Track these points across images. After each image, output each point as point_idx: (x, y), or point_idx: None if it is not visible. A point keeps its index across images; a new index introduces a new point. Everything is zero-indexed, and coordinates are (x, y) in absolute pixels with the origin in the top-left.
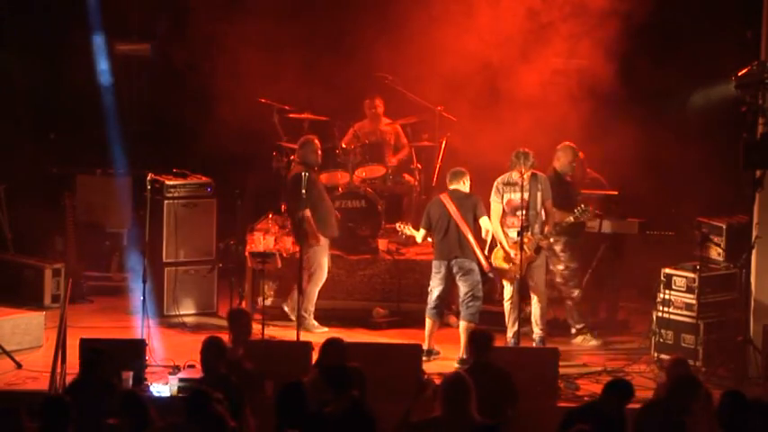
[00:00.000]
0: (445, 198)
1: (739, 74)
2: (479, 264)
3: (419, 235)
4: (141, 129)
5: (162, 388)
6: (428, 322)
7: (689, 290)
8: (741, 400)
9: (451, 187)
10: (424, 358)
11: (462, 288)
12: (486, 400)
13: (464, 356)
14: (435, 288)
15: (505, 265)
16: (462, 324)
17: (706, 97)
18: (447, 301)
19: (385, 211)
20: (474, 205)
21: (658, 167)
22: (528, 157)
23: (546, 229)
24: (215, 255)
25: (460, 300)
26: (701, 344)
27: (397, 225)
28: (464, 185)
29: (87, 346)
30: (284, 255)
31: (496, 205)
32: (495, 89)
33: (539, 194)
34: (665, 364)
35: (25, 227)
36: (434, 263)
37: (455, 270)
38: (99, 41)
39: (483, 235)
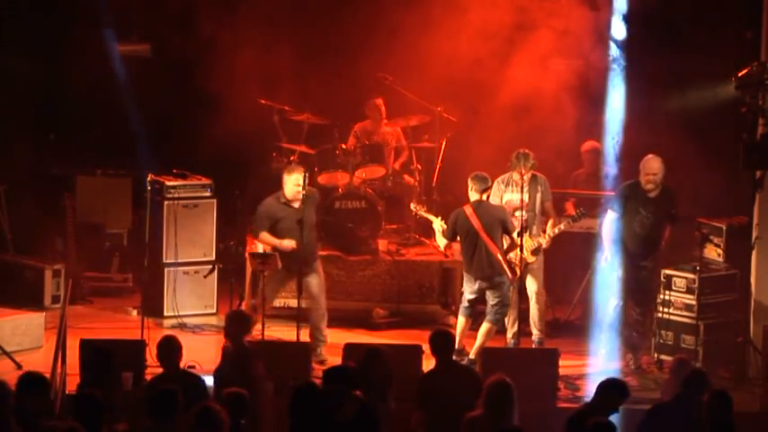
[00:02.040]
0: (470, 212)
1: (739, 74)
2: (506, 275)
3: (441, 243)
4: (141, 129)
5: None
6: (461, 320)
7: (689, 290)
8: (727, 399)
9: (474, 199)
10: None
11: (491, 298)
12: (455, 399)
13: (472, 357)
14: (468, 294)
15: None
16: (485, 326)
17: (702, 96)
18: (479, 303)
19: (385, 211)
20: (502, 221)
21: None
22: (528, 158)
23: (550, 224)
24: (215, 255)
25: (489, 305)
26: (701, 345)
27: (412, 205)
28: (487, 194)
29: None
30: None
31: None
32: (491, 88)
33: (538, 196)
34: (670, 365)
35: (25, 227)
36: (465, 275)
37: (485, 285)
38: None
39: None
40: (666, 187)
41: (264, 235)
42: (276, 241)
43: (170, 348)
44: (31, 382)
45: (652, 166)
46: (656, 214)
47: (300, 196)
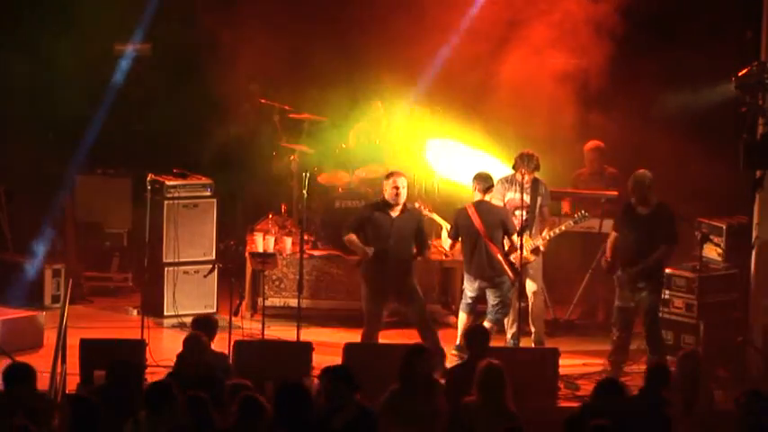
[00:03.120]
0: (471, 211)
1: (739, 74)
2: (507, 275)
3: (446, 243)
4: (141, 129)
5: None
6: (462, 317)
7: (689, 290)
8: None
9: (476, 198)
10: (453, 352)
11: (491, 298)
12: None
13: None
14: (469, 292)
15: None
16: (486, 325)
17: (701, 96)
18: (480, 302)
19: None
20: (503, 222)
21: (657, 168)
22: (531, 160)
23: (546, 230)
24: (215, 255)
25: (489, 305)
26: (702, 344)
27: (416, 204)
28: (489, 194)
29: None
30: (284, 255)
31: (497, 203)
32: (490, 88)
33: (539, 198)
34: (677, 357)
35: (25, 227)
36: (466, 275)
37: (485, 285)
38: None
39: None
40: (661, 204)
41: (350, 237)
42: (358, 246)
43: (198, 348)
44: (18, 373)
45: (637, 181)
46: (650, 232)
47: (400, 201)
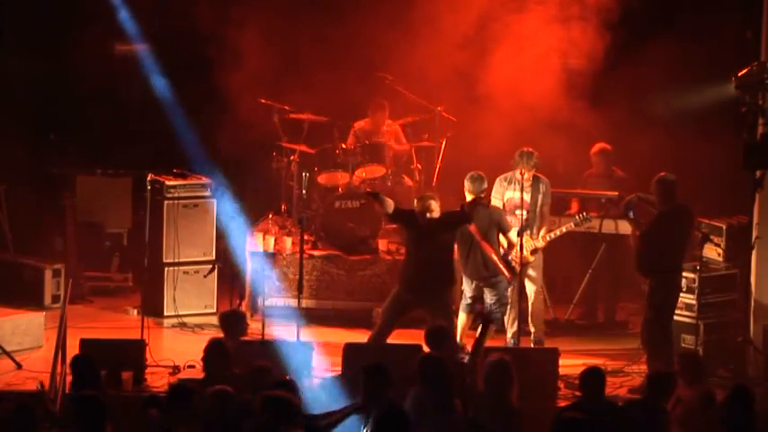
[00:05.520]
0: None
1: (739, 74)
2: (503, 274)
3: None
4: (141, 129)
5: None
6: (461, 317)
7: (689, 290)
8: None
9: (469, 200)
10: None
11: (489, 297)
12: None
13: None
14: (468, 293)
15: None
16: None
17: (701, 96)
18: (481, 300)
19: None
20: (497, 222)
21: (657, 168)
22: (531, 157)
23: (545, 230)
24: (215, 255)
25: (487, 305)
26: (702, 344)
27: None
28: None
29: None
30: (284, 255)
31: (496, 202)
32: (490, 88)
33: (539, 197)
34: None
35: (25, 227)
36: (463, 275)
37: (482, 285)
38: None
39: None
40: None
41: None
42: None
43: (219, 353)
44: None
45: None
46: None
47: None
